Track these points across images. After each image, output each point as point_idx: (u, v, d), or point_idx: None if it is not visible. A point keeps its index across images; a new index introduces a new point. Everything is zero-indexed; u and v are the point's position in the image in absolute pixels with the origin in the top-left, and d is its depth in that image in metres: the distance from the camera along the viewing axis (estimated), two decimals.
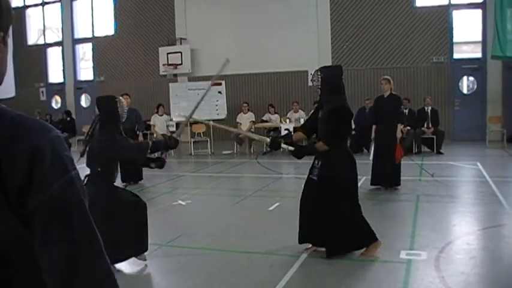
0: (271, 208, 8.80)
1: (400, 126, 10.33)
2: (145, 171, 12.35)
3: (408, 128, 15.03)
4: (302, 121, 16.76)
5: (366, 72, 19.62)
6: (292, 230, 7.12)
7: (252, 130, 17.39)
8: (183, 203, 9.55)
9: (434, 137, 15.55)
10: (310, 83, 6.25)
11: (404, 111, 15.39)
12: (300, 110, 17.57)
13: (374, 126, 10.63)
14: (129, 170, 11.92)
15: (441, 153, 15.33)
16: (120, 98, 6.84)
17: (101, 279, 1.45)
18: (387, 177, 10.21)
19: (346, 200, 6.11)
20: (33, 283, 1.44)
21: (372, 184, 10.42)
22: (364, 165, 13.62)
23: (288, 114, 17.67)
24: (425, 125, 15.90)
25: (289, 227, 7.09)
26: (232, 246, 6.94)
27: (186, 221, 8.46)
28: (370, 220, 7.47)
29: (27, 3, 26.30)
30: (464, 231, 7.41)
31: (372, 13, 19.46)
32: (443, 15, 18.74)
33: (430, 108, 16.07)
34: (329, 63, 19.79)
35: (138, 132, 12.24)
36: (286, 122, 16.83)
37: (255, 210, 8.92)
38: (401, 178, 10.36)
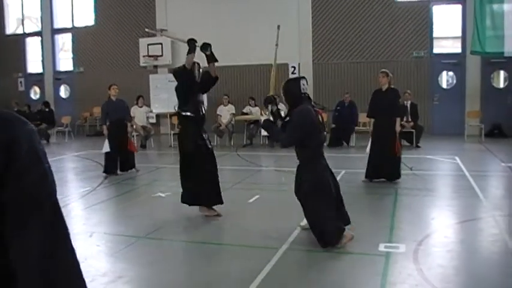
0: (250, 200, 8.81)
1: (399, 120, 10.28)
2: (136, 161, 12.30)
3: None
4: (283, 114, 16.76)
5: (346, 66, 19.68)
6: (272, 222, 7.15)
7: (233, 123, 17.38)
8: (163, 195, 9.52)
9: (414, 131, 15.63)
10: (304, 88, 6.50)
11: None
12: (280, 103, 17.53)
13: (372, 120, 10.58)
14: (112, 160, 11.92)
15: (418, 147, 15.43)
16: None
17: (68, 268, 1.49)
18: (387, 171, 10.21)
19: None
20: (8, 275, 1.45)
21: (366, 177, 10.41)
22: (344, 159, 13.73)
23: (269, 106, 17.63)
24: (404, 119, 15.98)
25: (269, 219, 7.12)
26: (212, 238, 6.94)
27: (165, 213, 8.43)
28: (349, 212, 7.52)
29: None
30: (442, 224, 7.48)
31: (353, 7, 19.51)
32: (423, 10, 18.86)
33: (409, 102, 16.14)
34: (310, 57, 19.92)
35: (126, 123, 12.24)
36: (266, 114, 16.79)
37: (234, 203, 8.90)
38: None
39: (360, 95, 17.86)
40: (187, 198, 7.89)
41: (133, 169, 12.27)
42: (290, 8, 19.90)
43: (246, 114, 17.75)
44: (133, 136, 17.70)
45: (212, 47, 8.13)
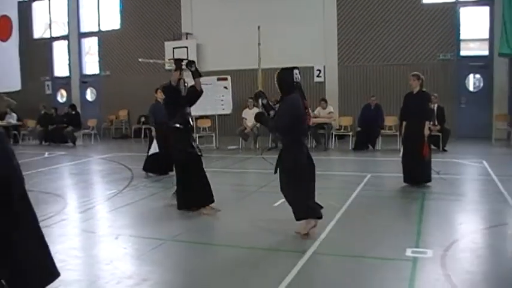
0: (276, 204, 8.76)
1: (427, 124, 10.13)
2: None
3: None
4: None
5: (372, 68, 19.56)
6: (297, 226, 7.10)
7: (258, 126, 17.36)
8: None
9: (440, 134, 15.45)
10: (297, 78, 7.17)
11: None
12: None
13: (404, 123, 10.48)
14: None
15: (445, 150, 15.27)
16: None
17: (36, 248, 1.70)
18: (417, 174, 10.10)
19: None
20: None
21: (404, 181, 10.31)
22: (369, 162, 13.66)
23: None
24: (431, 122, 15.79)
25: (294, 223, 7.07)
26: (237, 241, 6.92)
27: (191, 216, 8.43)
28: (375, 217, 7.44)
29: None
30: (470, 229, 7.37)
31: (379, 9, 19.39)
32: (450, 12, 18.67)
33: (436, 105, 15.93)
34: (335, 59, 19.85)
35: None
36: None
37: (260, 206, 8.90)
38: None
39: (386, 98, 17.77)
40: (184, 204, 8.60)
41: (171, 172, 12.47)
42: (315, 11, 19.86)
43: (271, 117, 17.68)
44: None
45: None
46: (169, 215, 8.53)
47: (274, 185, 7.89)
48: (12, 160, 1.64)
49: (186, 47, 21.52)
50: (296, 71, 7.09)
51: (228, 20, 21.05)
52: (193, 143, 8.77)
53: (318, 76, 19.95)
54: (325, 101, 17.49)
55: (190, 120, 8.80)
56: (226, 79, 18.23)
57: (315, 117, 16.93)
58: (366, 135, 16.28)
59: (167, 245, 6.73)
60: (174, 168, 12.30)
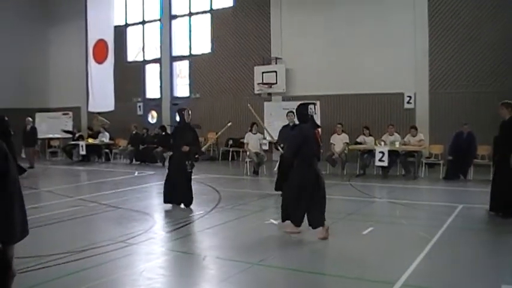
0: (364, 232, 8.61)
1: None
2: (248, 187, 12.42)
3: None
4: (397, 144, 16.37)
5: (464, 95, 18.99)
6: (387, 256, 6.95)
7: (345, 152, 17.19)
8: (275, 222, 9.49)
9: None
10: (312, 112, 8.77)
11: None
12: (395, 133, 17.15)
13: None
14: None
15: None
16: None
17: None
18: (504, 205, 9.73)
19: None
20: None
21: (490, 210, 10.01)
22: (461, 193, 13.23)
23: (383, 137, 17.21)
24: None
25: (384, 253, 6.93)
26: (323, 269, 6.85)
27: (277, 240, 8.41)
28: (467, 249, 7.17)
29: (128, 22, 27.42)
30: None
31: (472, 34, 18.77)
32: None
33: None
34: (426, 86, 19.48)
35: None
36: (381, 144, 16.45)
37: (347, 234, 8.75)
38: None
39: (479, 126, 17.16)
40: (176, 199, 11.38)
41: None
42: (406, 36, 19.56)
43: (360, 143, 17.50)
44: (246, 162, 17.98)
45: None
46: (256, 238, 8.54)
47: (363, 213, 7.80)
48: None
49: (275, 72, 21.69)
50: (311, 106, 8.64)
51: (317, 46, 21.09)
52: (187, 162, 11.21)
53: (408, 103, 19.61)
54: (415, 129, 17.11)
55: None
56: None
57: (404, 145, 16.61)
58: (458, 164, 15.79)
59: (254, 269, 6.72)
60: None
